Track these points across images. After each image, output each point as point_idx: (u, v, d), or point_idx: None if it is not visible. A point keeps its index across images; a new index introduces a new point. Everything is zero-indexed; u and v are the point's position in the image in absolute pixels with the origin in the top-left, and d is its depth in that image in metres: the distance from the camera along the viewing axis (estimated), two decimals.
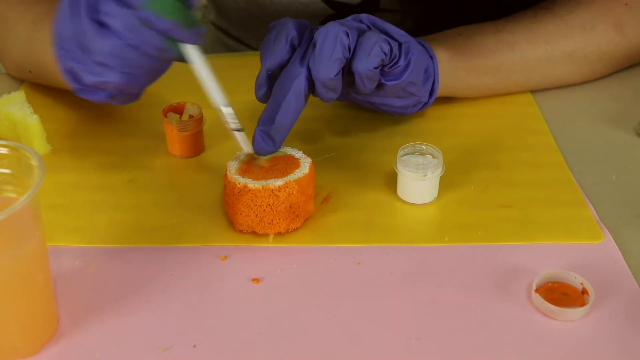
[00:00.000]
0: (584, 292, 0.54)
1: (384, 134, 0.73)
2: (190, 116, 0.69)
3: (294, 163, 0.61)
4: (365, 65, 0.61)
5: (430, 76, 0.70)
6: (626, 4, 0.77)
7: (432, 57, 0.70)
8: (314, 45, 0.61)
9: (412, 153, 0.64)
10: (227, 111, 0.59)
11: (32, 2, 0.78)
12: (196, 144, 0.70)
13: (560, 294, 0.55)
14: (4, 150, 0.50)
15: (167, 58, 0.57)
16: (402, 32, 0.66)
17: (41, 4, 0.75)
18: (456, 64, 0.73)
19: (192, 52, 0.57)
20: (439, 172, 0.63)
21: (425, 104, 0.71)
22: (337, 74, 0.61)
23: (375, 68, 0.62)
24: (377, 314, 0.54)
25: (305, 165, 0.61)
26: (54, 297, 0.53)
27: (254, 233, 0.60)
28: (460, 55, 0.73)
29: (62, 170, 0.68)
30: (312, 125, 0.74)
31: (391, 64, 0.64)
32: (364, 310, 0.54)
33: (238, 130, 0.60)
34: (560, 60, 0.77)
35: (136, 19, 0.54)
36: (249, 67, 0.74)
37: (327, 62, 0.61)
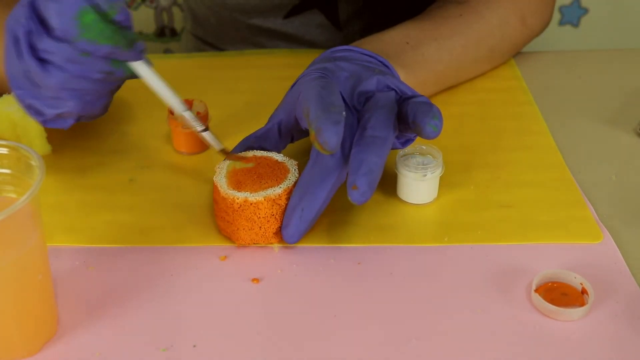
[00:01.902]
0: (584, 292, 0.54)
1: None
2: (197, 113, 0.69)
3: (281, 167, 0.60)
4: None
5: None
6: None
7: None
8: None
9: (412, 153, 0.64)
10: (189, 116, 0.61)
11: None
12: (202, 141, 0.70)
13: (559, 294, 0.55)
14: (4, 150, 0.50)
15: (117, 78, 0.58)
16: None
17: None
18: (408, 82, 0.71)
19: (139, 67, 0.58)
20: (439, 172, 0.62)
21: None
22: None
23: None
24: (377, 314, 0.54)
25: (293, 168, 0.60)
26: (54, 297, 0.53)
27: (256, 244, 0.60)
28: (412, 72, 0.72)
29: (62, 170, 0.68)
30: None
31: None
32: (364, 310, 0.54)
33: (204, 130, 0.62)
34: (484, 58, 0.80)
35: (75, 51, 0.55)
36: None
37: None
